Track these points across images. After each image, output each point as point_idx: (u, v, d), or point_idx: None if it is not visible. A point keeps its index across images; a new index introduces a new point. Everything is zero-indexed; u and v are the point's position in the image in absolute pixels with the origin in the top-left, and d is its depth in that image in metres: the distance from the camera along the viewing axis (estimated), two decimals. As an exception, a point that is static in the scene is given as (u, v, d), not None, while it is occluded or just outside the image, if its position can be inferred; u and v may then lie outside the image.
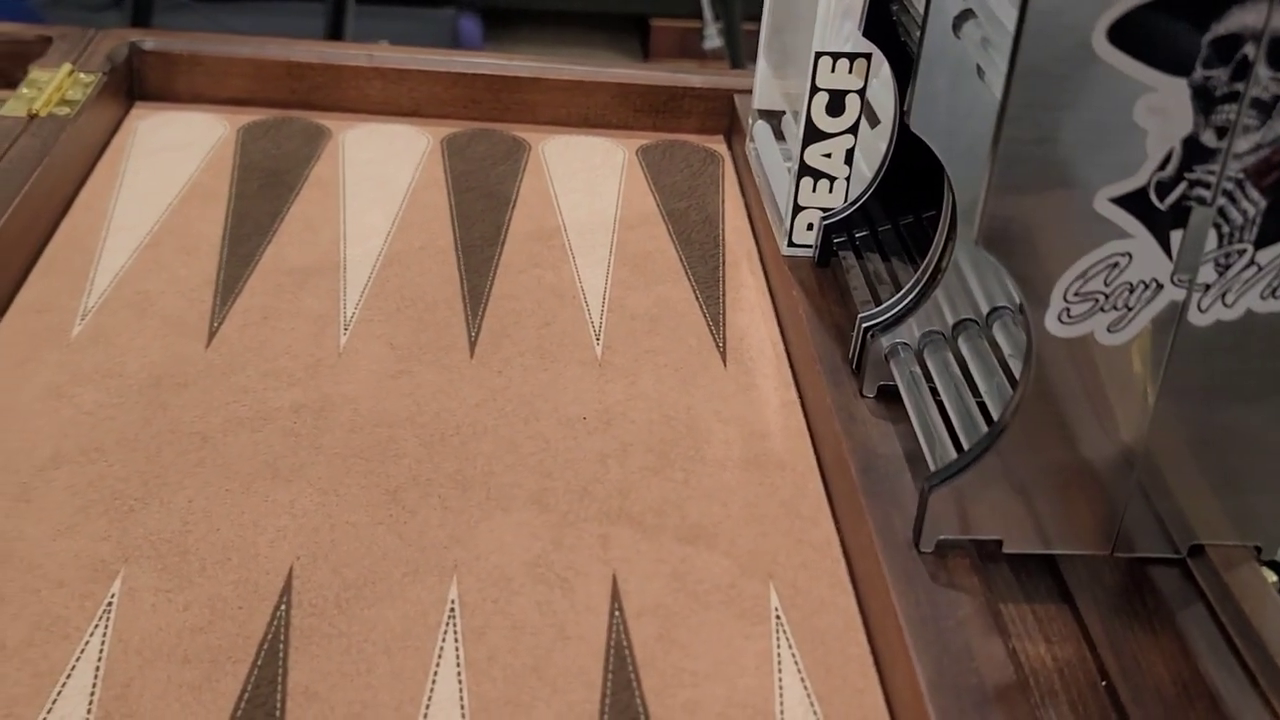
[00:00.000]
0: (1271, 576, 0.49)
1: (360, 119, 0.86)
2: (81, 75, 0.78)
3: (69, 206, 0.73)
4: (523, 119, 0.87)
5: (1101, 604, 0.49)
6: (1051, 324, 0.45)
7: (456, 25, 2.63)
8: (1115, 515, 0.49)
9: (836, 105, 0.66)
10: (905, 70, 0.63)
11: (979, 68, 0.52)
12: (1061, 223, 0.44)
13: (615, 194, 0.80)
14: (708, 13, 2.71)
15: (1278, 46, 0.41)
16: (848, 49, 0.65)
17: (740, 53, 2.13)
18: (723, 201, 0.80)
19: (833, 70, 0.65)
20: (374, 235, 0.73)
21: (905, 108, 0.54)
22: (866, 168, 0.73)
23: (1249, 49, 0.41)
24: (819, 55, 0.65)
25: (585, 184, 0.81)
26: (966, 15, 0.52)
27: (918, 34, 0.59)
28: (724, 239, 0.76)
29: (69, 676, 0.45)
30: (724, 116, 0.88)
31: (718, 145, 0.87)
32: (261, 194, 0.76)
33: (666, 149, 0.86)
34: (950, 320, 0.58)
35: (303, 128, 0.84)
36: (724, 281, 0.72)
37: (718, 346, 0.66)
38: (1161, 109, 0.42)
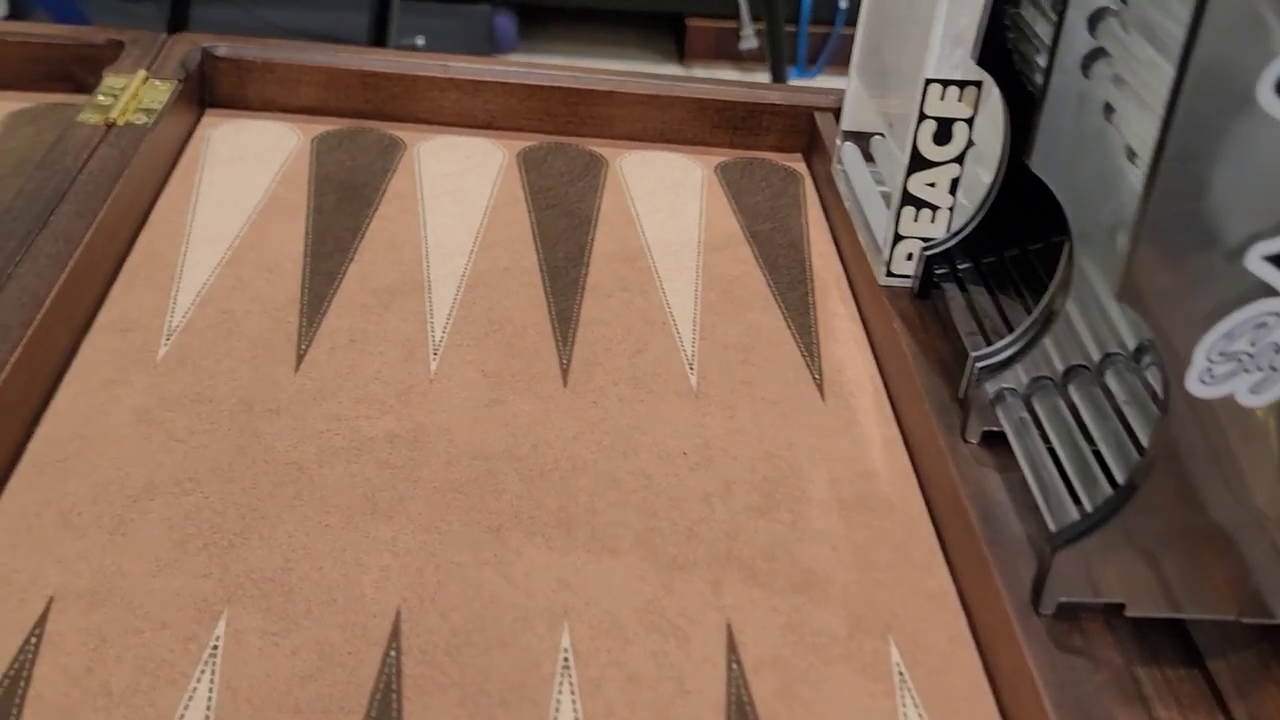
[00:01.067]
0: None
1: (434, 130, 0.84)
2: (156, 82, 0.77)
3: (146, 218, 0.71)
4: (598, 133, 0.86)
5: (1234, 669, 0.47)
6: (1192, 384, 0.43)
7: (491, 22, 2.61)
8: (1245, 580, 0.47)
9: (944, 134, 0.64)
10: (1018, 100, 0.61)
11: (1106, 106, 0.50)
12: (1210, 280, 0.42)
13: (697, 214, 0.79)
14: (745, 13, 2.69)
15: None
16: (958, 76, 0.63)
17: (783, 56, 2.11)
18: (806, 224, 0.78)
19: (942, 98, 0.63)
20: (457, 254, 0.71)
21: (1026, 146, 0.52)
22: (963, 196, 0.71)
23: None
24: (929, 82, 0.63)
25: (666, 203, 0.79)
26: (1098, 54, 0.50)
27: (1037, 63, 0.57)
28: (811, 264, 0.74)
29: (179, 726, 0.44)
30: (803, 134, 0.86)
31: (797, 164, 0.85)
32: (340, 208, 0.74)
33: (745, 167, 0.84)
34: (1060, 366, 0.56)
35: (377, 139, 0.82)
36: (815, 309, 0.70)
37: (814, 379, 0.65)
38: (1330, 164, 0.40)
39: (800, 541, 0.54)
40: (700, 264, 0.73)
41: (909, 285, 0.67)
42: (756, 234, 0.77)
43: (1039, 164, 0.52)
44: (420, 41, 2.35)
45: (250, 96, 0.83)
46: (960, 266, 0.65)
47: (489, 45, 2.59)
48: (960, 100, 0.62)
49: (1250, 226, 0.41)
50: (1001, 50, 0.60)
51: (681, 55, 2.73)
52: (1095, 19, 0.49)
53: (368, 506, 0.54)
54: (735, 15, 2.68)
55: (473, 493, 0.55)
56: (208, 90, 0.83)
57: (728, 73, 2.65)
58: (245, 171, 0.77)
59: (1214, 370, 0.43)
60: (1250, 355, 0.43)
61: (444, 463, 0.56)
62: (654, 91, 0.85)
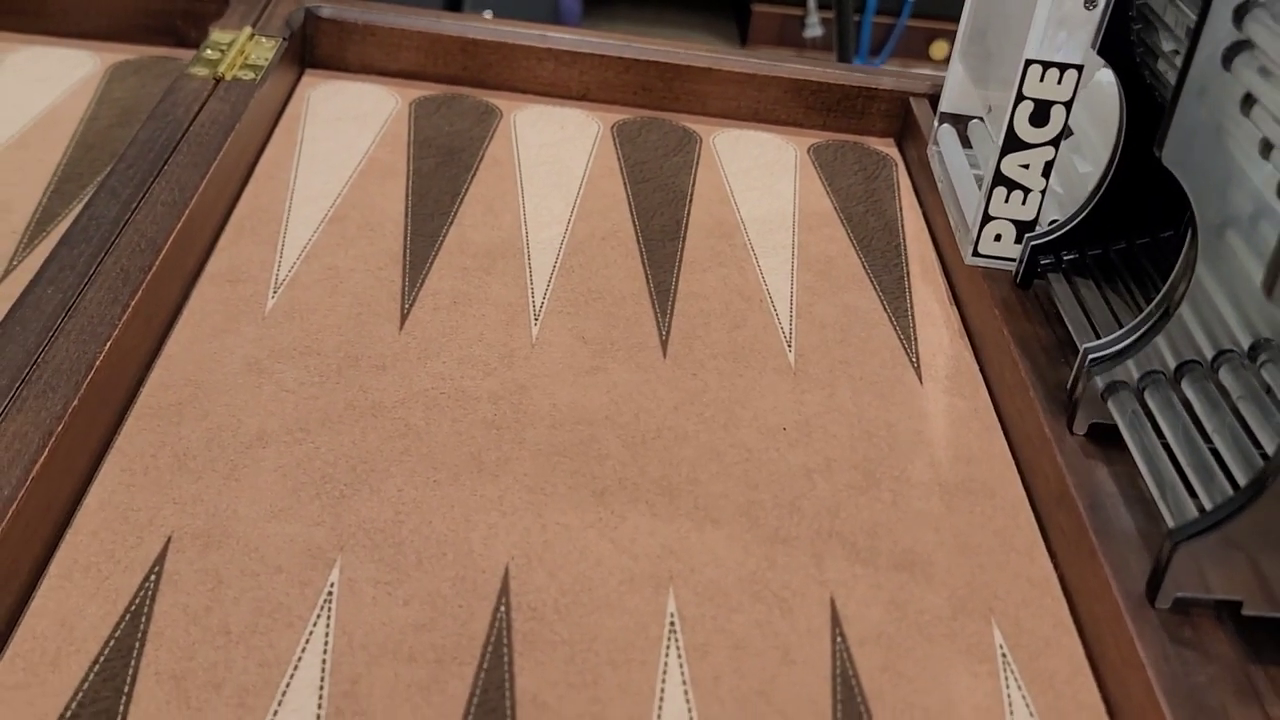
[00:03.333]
0: None
1: (530, 100, 0.84)
2: (262, 39, 0.78)
3: (251, 173, 0.72)
4: (692, 109, 0.86)
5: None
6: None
7: (558, 0, 2.61)
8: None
9: (1041, 116, 0.64)
10: (1137, 92, 0.61)
11: (1246, 98, 0.49)
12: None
13: (791, 193, 0.79)
14: (811, 1, 2.67)
15: None
16: (1059, 59, 0.63)
17: (850, 45, 2.10)
18: (901, 208, 0.78)
19: (1041, 80, 0.63)
20: (554, 222, 0.72)
21: (1156, 137, 0.52)
22: (1058, 184, 0.71)
23: None
24: (1029, 63, 0.63)
25: (760, 181, 0.79)
26: (1241, 46, 0.49)
27: (1166, 54, 0.57)
28: (905, 247, 0.74)
29: (296, 668, 0.44)
30: (896, 119, 0.86)
31: (889, 148, 0.85)
32: (439, 171, 0.75)
33: (838, 149, 0.84)
34: (1172, 361, 0.56)
35: (473, 105, 0.82)
36: (910, 293, 0.70)
37: (912, 362, 0.65)
38: None
39: (901, 521, 0.54)
40: (795, 242, 0.73)
41: (999, 267, 0.67)
42: (850, 215, 0.77)
43: (1170, 155, 0.52)
44: (488, 14, 2.35)
45: (349, 58, 0.84)
46: (1065, 258, 0.65)
47: (553, 21, 2.59)
48: (1059, 83, 0.62)
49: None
50: (1124, 41, 0.60)
51: (744, 40, 2.72)
52: (1241, 10, 0.49)
53: (474, 465, 0.54)
54: (800, 2, 2.66)
55: (576, 456, 0.55)
56: (308, 50, 0.83)
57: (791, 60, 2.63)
58: (345, 132, 0.77)
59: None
60: (1383, 355, 0.43)
61: (548, 426, 0.57)
62: (751, 70, 0.85)
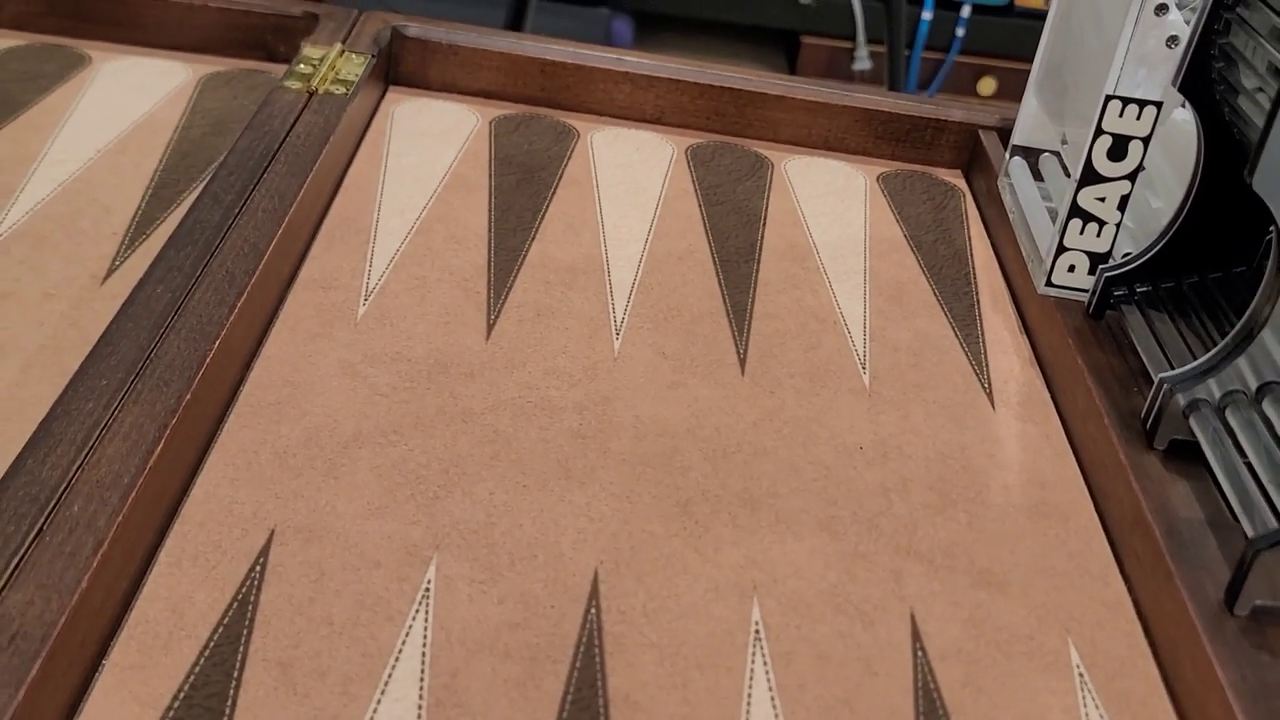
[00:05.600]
0: None
1: (605, 121, 0.86)
2: (352, 55, 0.80)
3: (340, 184, 0.74)
4: (763, 135, 0.87)
5: None
6: None
7: (609, 26, 2.64)
8: None
9: (1119, 150, 0.65)
10: (1216, 129, 0.62)
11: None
12: None
13: (862, 220, 0.80)
14: (861, 34, 2.69)
15: None
16: (1139, 95, 0.64)
17: (902, 79, 2.11)
18: (970, 237, 0.80)
19: (1120, 115, 0.64)
20: (633, 240, 0.73)
21: (1249, 165, 0.53)
22: (1128, 219, 0.72)
23: None
24: (1109, 98, 0.64)
25: (831, 207, 0.81)
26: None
27: (1248, 89, 0.58)
28: (975, 276, 0.75)
29: (397, 659, 0.46)
30: (965, 151, 0.87)
31: (957, 179, 0.87)
32: (520, 189, 0.77)
33: (906, 179, 0.85)
34: (1254, 383, 0.57)
35: (551, 125, 0.84)
36: (981, 320, 0.71)
37: (984, 388, 0.66)
38: None
39: (978, 541, 0.56)
40: (867, 268, 0.75)
41: (1071, 298, 0.68)
42: (920, 243, 0.78)
43: (1264, 185, 0.53)
44: (543, 40, 2.38)
45: (431, 76, 0.86)
46: (1138, 290, 0.66)
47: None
48: (1138, 119, 0.63)
49: None
50: (1204, 78, 0.61)
51: (792, 71, 2.74)
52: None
53: (562, 471, 0.56)
54: (851, 35, 2.69)
55: (660, 467, 0.57)
56: (392, 67, 0.86)
57: (841, 92, 2.65)
58: (429, 148, 0.79)
59: None
60: None
61: (631, 437, 0.58)
62: (822, 99, 0.87)
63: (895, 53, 2.16)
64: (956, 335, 0.70)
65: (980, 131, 0.86)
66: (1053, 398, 0.66)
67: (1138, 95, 0.64)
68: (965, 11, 2.61)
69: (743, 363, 0.65)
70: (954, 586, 0.53)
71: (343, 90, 0.75)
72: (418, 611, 0.48)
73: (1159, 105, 0.64)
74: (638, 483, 0.56)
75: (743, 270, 0.72)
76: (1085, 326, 0.66)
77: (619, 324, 0.66)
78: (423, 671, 0.45)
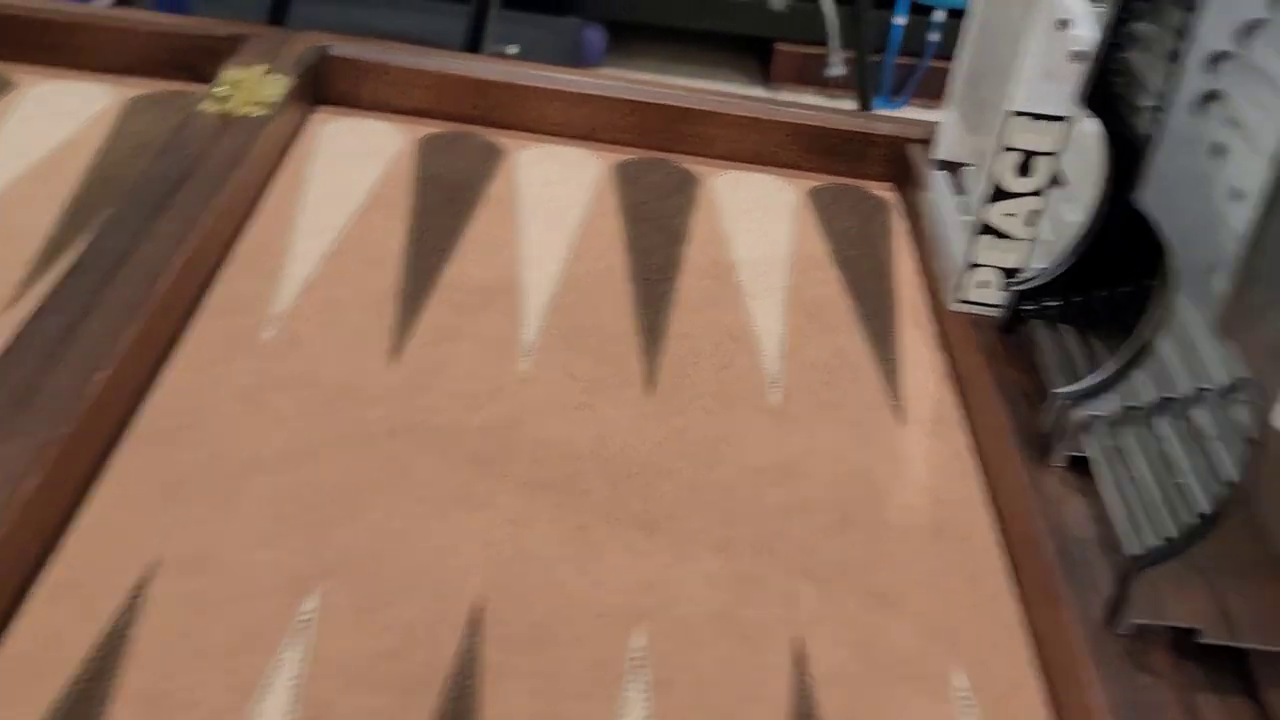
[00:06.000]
0: None
1: (536, 139, 0.86)
2: (274, 77, 0.80)
3: (255, 207, 0.74)
4: (695, 151, 0.87)
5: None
6: (1278, 420, 0.44)
7: (580, 35, 2.64)
8: (1321, 618, 0.48)
9: (1026, 166, 0.65)
10: (1120, 143, 0.62)
11: (1215, 147, 0.50)
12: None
13: (787, 236, 0.80)
14: (834, 40, 2.69)
15: None
16: (1046, 110, 0.64)
17: (870, 86, 2.11)
18: (894, 252, 0.79)
19: (1026, 130, 0.64)
20: (550, 260, 0.73)
21: (1135, 183, 0.53)
22: (1051, 233, 0.72)
23: None
24: (1013, 114, 0.64)
25: (757, 223, 0.80)
26: (1212, 96, 0.50)
27: (1144, 106, 0.58)
28: (896, 291, 0.75)
29: (267, 693, 0.45)
30: (896, 164, 0.87)
31: (887, 192, 0.86)
32: (441, 209, 0.76)
33: (837, 193, 0.85)
34: (1150, 398, 0.57)
35: (480, 144, 0.84)
36: (897, 336, 0.71)
37: (894, 404, 0.66)
38: None
39: (874, 563, 0.55)
40: (788, 285, 0.75)
41: (982, 313, 0.68)
42: (845, 259, 0.78)
43: (1147, 201, 0.53)
44: (513, 50, 2.38)
45: (362, 96, 0.86)
46: (1048, 304, 0.66)
47: (577, 58, 2.62)
48: (1044, 134, 0.63)
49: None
50: (1107, 93, 0.61)
51: (767, 78, 2.74)
52: (1214, 61, 0.50)
53: (459, 497, 0.55)
54: (824, 42, 2.68)
55: (560, 490, 0.57)
56: (321, 88, 0.85)
57: (812, 98, 2.65)
58: (352, 168, 0.79)
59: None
60: (1341, 404, 0.44)
61: (532, 460, 0.58)
62: (752, 114, 0.87)
63: (862, 60, 2.16)
64: (873, 351, 0.70)
65: (908, 145, 0.86)
66: (966, 415, 0.66)
67: (1044, 110, 0.63)
68: (939, 16, 2.61)
69: (653, 383, 0.65)
70: (845, 609, 0.53)
71: (261, 112, 0.75)
72: (294, 642, 0.48)
73: (1065, 120, 0.64)
74: (536, 507, 0.56)
75: (660, 289, 0.72)
76: (997, 343, 0.66)
77: (529, 345, 0.66)
78: (293, 704, 0.45)
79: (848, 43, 2.61)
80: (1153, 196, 0.53)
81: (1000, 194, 0.65)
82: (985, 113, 0.74)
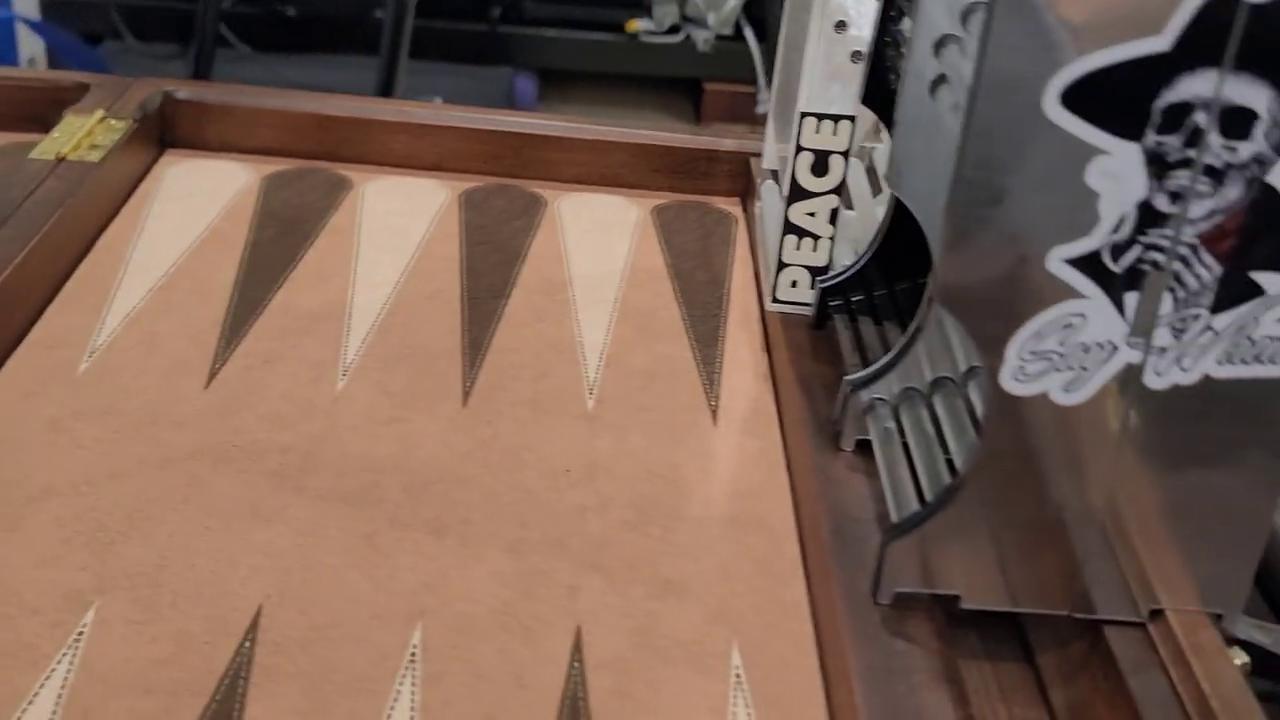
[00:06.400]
0: (1241, 656, 0.48)
1: (384, 172, 0.88)
2: (113, 121, 0.81)
3: (90, 248, 0.75)
4: (542, 176, 0.89)
5: (1061, 665, 0.49)
6: (1007, 381, 0.45)
7: (512, 84, 2.67)
8: (1076, 575, 0.49)
9: (821, 165, 0.67)
10: (900, 137, 0.63)
11: (944, 129, 0.52)
12: (1015, 282, 0.44)
13: (626, 252, 0.81)
14: (762, 79, 2.73)
15: (1229, 115, 0.41)
16: (833, 110, 0.66)
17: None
18: (731, 262, 0.81)
19: (817, 131, 0.66)
20: (383, 284, 0.75)
21: (884, 171, 0.54)
22: (868, 233, 0.73)
23: (1200, 117, 0.41)
24: (804, 115, 0.66)
25: (597, 241, 0.82)
26: (941, 80, 0.52)
27: (908, 101, 0.59)
28: (728, 298, 0.77)
29: (30, 703, 0.46)
30: (740, 178, 0.89)
31: (733, 207, 0.88)
32: (278, 241, 0.78)
33: (680, 209, 0.87)
34: (929, 378, 0.58)
35: (326, 178, 0.86)
36: (723, 340, 0.72)
37: (710, 405, 0.67)
38: (1114, 173, 0.42)
39: (666, 554, 0.56)
40: (618, 297, 0.76)
41: (799, 313, 0.69)
42: (680, 271, 0.79)
43: (896, 185, 0.55)
44: (437, 101, 2.41)
45: (209, 137, 0.87)
46: (854, 299, 0.67)
47: (508, 106, 2.64)
48: (835, 134, 0.65)
49: (1048, 231, 0.43)
50: (885, 90, 0.63)
51: (698, 118, 2.77)
52: (939, 45, 0.52)
53: (250, 512, 0.56)
54: (753, 80, 2.72)
55: (354, 502, 0.57)
56: (169, 131, 0.87)
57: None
58: (194, 207, 0.81)
59: (1027, 369, 0.45)
60: (1060, 354, 0.45)
61: (332, 474, 0.59)
62: (597, 137, 0.89)
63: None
64: (695, 357, 0.71)
65: (751, 159, 0.88)
66: (779, 412, 0.67)
67: (831, 111, 0.65)
68: (861, 50, 2.65)
69: (467, 396, 0.66)
70: (630, 598, 0.54)
71: (94, 156, 0.77)
72: (64, 655, 0.48)
73: (853, 119, 0.65)
74: (326, 518, 0.56)
75: (489, 307, 0.74)
76: (807, 339, 0.68)
77: (347, 366, 0.67)
78: (54, 712, 0.46)
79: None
80: (899, 180, 0.54)
81: (799, 193, 0.67)
82: (789, 119, 0.76)
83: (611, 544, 0.56)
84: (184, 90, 0.87)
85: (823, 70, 0.64)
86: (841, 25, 0.63)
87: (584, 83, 2.85)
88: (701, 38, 2.73)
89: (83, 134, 0.78)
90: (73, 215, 0.72)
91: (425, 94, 2.45)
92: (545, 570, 0.55)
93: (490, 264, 0.78)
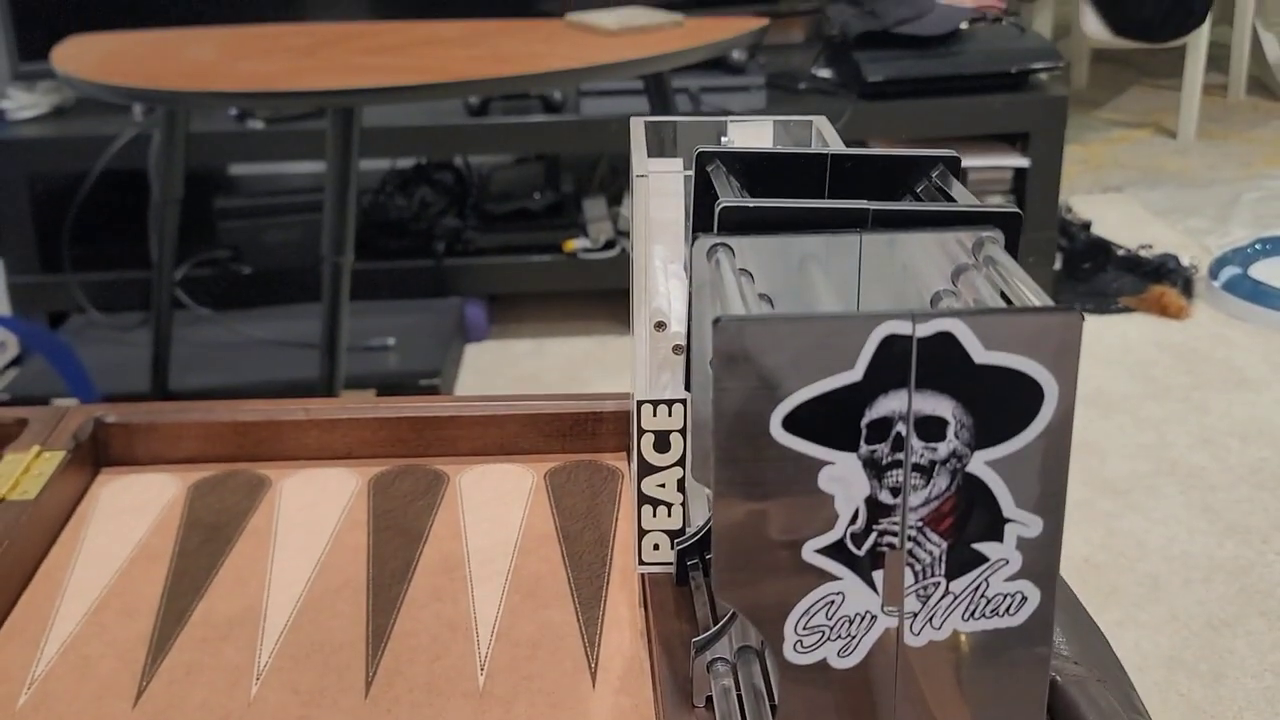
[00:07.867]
0: None
1: (298, 466, 0.96)
2: (47, 454, 0.90)
3: (31, 577, 0.83)
4: (444, 452, 0.98)
5: None
6: (789, 653, 0.53)
7: (462, 313, 2.80)
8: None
9: (662, 443, 0.75)
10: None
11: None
12: (780, 572, 0.52)
13: (519, 520, 0.90)
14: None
15: (923, 423, 0.50)
16: (666, 396, 0.75)
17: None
18: (616, 520, 0.89)
19: (654, 414, 0.75)
20: (295, 582, 0.82)
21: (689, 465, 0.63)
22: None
23: (900, 427, 0.50)
24: (640, 403, 0.75)
25: (493, 512, 0.90)
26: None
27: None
28: (611, 558, 0.85)
29: None
30: (624, 435, 0.98)
31: (619, 462, 0.97)
32: (201, 549, 0.86)
33: (572, 470, 0.96)
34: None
35: (246, 479, 0.95)
36: (605, 601, 0.80)
37: (589, 668, 0.74)
38: (841, 478, 0.51)
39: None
40: (511, 567, 0.84)
41: (661, 572, 0.77)
42: (568, 533, 0.88)
43: (699, 476, 0.63)
44: (390, 342, 2.52)
45: (139, 454, 0.96)
46: (707, 556, 0.75)
47: (461, 336, 2.76)
48: (670, 415, 0.74)
49: (800, 529, 0.52)
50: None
51: (644, 325, 2.89)
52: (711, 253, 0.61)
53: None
54: (691, 283, 2.85)
55: (263, 805, 0.64)
56: (102, 452, 0.96)
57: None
58: (125, 524, 0.89)
59: (804, 641, 0.53)
60: (829, 627, 0.53)
61: (245, 779, 0.66)
62: (489, 411, 0.98)
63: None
64: (578, 620, 0.78)
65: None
66: (651, 669, 0.74)
67: (665, 396, 0.75)
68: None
69: (369, 685, 0.73)
70: None
71: (27, 495, 0.85)
72: None
73: (684, 401, 0.75)
74: (239, 824, 0.63)
75: (392, 593, 0.81)
76: (671, 597, 0.75)
77: (261, 670, 0.74)
78: None
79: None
80: (698, 474, 0.63)
81: (647, 469, 0.76)
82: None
83: (494, 819, 0.63)
84: (113, 414, 0.96)
85: (652, 362, 0.74)
86: (661, 325, 0.73)
87: (531, 302, 2.99)
88: (634, 251, 2.86)
89: (20, 471, 0.87)
90: (12, 556, 0.80)
91: (379, 335, 2.57)
92: None
93: (394, 548, 0.86)
